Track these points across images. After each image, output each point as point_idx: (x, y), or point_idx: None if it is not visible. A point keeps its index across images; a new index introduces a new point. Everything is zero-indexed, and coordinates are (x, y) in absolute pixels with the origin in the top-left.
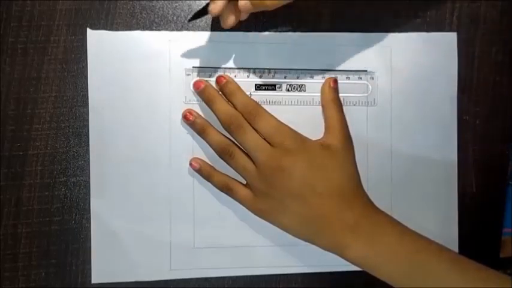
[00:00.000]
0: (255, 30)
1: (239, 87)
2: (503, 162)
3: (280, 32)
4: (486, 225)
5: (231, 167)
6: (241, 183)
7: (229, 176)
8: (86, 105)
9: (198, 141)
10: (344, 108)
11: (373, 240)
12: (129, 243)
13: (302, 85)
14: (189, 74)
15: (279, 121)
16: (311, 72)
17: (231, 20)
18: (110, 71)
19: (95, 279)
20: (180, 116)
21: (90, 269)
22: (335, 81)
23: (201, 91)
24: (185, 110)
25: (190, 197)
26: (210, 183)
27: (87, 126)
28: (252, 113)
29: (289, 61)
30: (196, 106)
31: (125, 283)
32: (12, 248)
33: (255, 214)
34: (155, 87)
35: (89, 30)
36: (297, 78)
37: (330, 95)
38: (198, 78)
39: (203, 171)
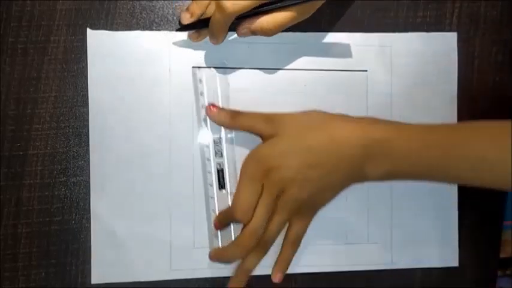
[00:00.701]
0: None
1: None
2: None
3: (280, 32)
4: (486, 224)
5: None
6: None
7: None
8: (86, 105)
9: (198, 140)
10: (344, 108)
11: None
12: (129, 243)
13: None
14: (189, 75)
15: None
16: (312, 72)
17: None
18: (109, 71)
19: (94, 279)
20: (179, 115)
21: (90, 269)
22: (210, 105)
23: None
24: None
25: (190, 197)
26: (211, 185)
27: (87, 126)
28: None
29: (290, 61)
30: (197, 106)
31: (124, 283)
32: (12, 248)
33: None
34: (155, 87)
35: (89, 30)
36: None
37: (223, 118)
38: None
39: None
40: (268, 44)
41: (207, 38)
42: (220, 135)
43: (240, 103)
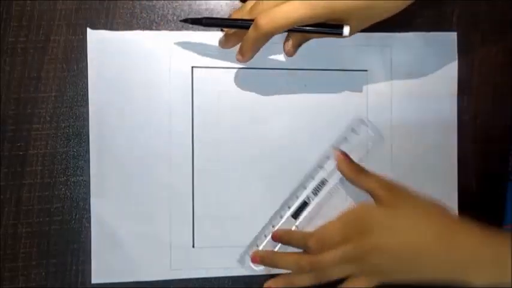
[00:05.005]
0: None
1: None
2: (503, 162)
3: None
4: (486, 225)
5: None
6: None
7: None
8: (86, 105)
9: (198, 141)
10: (344, 108)
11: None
12: (129, 243)
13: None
14: (189, 75)
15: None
16: (312, 72)
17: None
18: (110, 71)
19: (94, 279)
20: (179, 115)
21: (90, 269)
22: (343, 153)
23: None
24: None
25: (190, 196)
26: (211, 185)
27: (87, 126)
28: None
29: (290, 61)
30: (197, 106)
31: (124, 283)
32: (12, 248)
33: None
34: (155, 87)
35: (89, 30)
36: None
37: (349, 171)
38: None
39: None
40: (268, 44)
41: (206, 39)
42: (330, 178)
43: (241, 103)
